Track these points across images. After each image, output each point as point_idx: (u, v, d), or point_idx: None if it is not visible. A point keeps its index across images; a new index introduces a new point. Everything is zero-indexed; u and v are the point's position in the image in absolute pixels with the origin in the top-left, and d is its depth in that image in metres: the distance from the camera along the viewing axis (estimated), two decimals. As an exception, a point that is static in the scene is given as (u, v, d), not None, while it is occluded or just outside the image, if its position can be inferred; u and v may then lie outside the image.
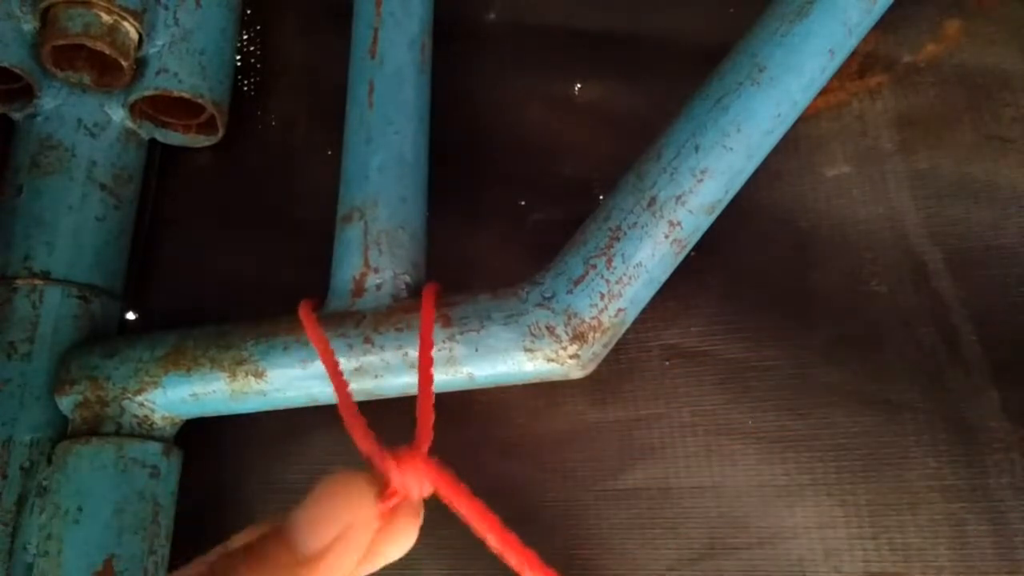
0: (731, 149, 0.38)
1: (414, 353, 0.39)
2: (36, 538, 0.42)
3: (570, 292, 0.37)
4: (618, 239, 0.38)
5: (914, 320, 0.41)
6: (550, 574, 0.23)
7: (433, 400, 0.32)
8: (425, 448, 0.27)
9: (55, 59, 0.49)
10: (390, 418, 0.39)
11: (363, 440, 0.29)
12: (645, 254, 0.37)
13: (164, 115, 0.54)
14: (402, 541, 0.26)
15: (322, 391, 0.42)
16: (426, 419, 0.31)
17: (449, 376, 0.39)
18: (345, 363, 0.40)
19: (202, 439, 0.48)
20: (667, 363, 0.44)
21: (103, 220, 0.51)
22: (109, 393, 0.44)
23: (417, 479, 0.26)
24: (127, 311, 0.54)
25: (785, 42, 0.39)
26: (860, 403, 0.40)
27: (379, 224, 0.43)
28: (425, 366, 0.33)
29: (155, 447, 0.44)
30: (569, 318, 0.37)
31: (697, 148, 0.38)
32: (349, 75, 0.48)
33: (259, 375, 0.41)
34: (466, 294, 0.40)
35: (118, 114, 0.52)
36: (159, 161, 0.57)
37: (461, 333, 0.38)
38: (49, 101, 0.51)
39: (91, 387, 0.44)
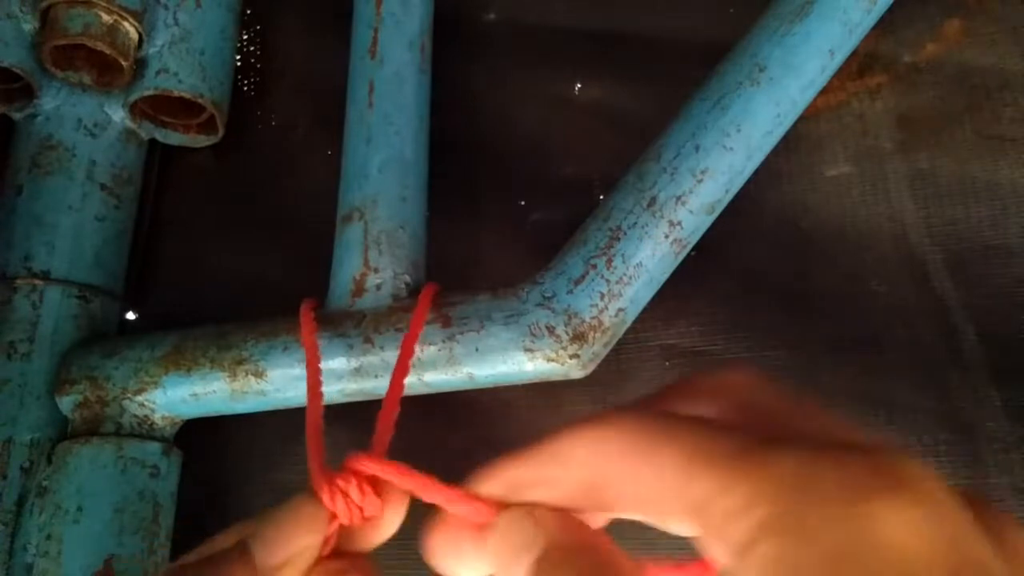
0: (731, 149, 0.38)
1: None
2: (36, 538, 0.42)
3: (570, 292, 0.37)
4: (618, 239, 0.38)
5: (914, 320, 0.41)
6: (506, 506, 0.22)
7: (396, 412, 0.31)
8: (362, 465, 0.25)
9: (55, 59, 0.49)
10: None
11: (313, 459, 0.28)
12: (645, 254, 0.37)
13: (164, 115, 0.54)
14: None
15: (322, 391, 0.41)
16: (385, 429, 0.29)
17: (449, 376, 0.39)
18: (345, 363, 0.40)
19: (202, 439, 0.48)
20: (667, 363, 0.44)
21: (103, 220, 0.51)
22: (109, 393, 0.44)
23: (345, 505, 0.25)
24: (127, 311, 0.54)
25: (785, 42, 0.39)
26: (860, 403, 0.40)
27: (379, 224, 0.43)
28: (399, 375, 0.32)
29: (155, 447, 0.44)
30: (569, 318, 0.37)
31: (697, 148, 0.38)
32: (349, 75, 0.48)
33: (259, 375, 0.41)
34: (466, 294, 0.40)
35: (118, 114, 0.52)
36: (159, 161, 0.57)
37: (461, 333, 0.38)
38: (49, 101, 0.51)
39: (91, 387, 0.44)
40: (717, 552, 0.16)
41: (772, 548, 0.14)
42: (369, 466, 0.25)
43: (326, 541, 0.25)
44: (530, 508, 0.19)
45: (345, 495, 0.26)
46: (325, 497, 0.26)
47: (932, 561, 0.13)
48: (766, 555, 0.14)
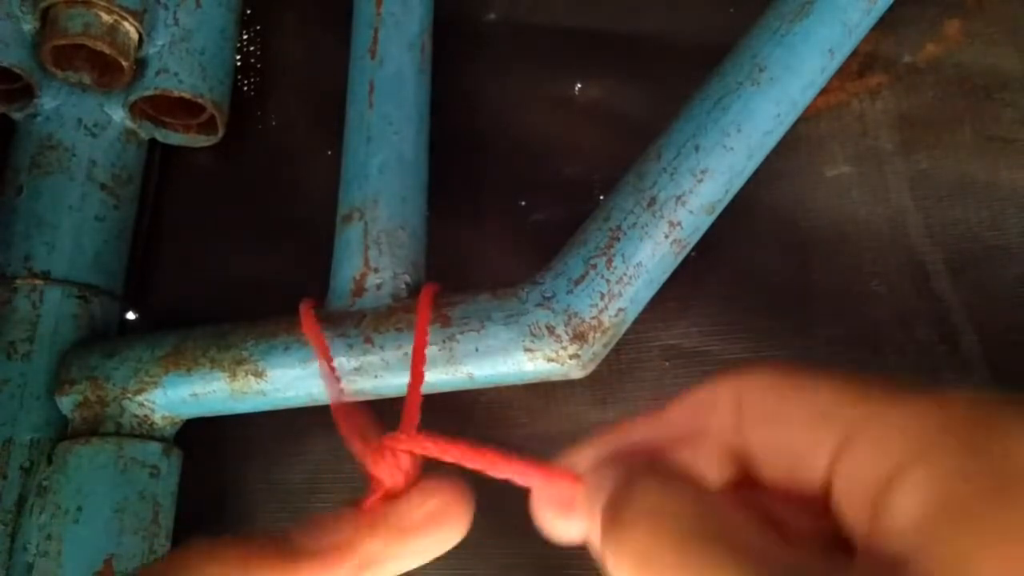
0: (731, 149, 0.38)
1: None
2: (36, 538, 0.42)
3: (570, 292, 0.37)
4: (618, 239, 0.38)
5: (914, 320, 0.41)
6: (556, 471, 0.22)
7: (421, 396, 0.32)
8: (404, 438, 0.27)
9: (55, 59, 0.49)
10: (392, 418, 0.38)
11: (348, 431, 0.29)
12: (645, 254, 0.37)
13: (164, 115, 0.54)
14: (431, 533, 0.25)
15: (322, 391, 0.42)
16: (412, 411, 0.30)
17: (449, 376, 0.39)
18: (345, 363, 0.40)
19: (202, 439, 0.48)
20: (667, 363, 0.44)
21: (103, 220, 0.51)
22: (109, 393, 0.44)
23: (390, 470, 0.26)
24: (127, 311, 0.54)
25: (785, 42, 0.39)
26: (860, 403, 0.40)
27: (379, 224, 0.43)
28: (417, 362, 0.33)
29: (155, 447, 0.44)
30: (569, 318, 0.37)
31: (697, 148, 0.38)
32: (349, 75, 0.48)
33: (259, 375, 0.41)
34: (466, 294, 0.40)
35: (118, 114, 0.52)
36: (159, 161, 0.57)
37: (461, 333, 0.38)
38: (49, 101, 0.51)
39: (91, 387, 0.44)
40: (854, 493, 0.15)
41: (934, 468, 0.13)
42: (406, 443, 0.26)
43: (372, 507, 0.25)
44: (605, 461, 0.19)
45: (393, 457, 0.26)
46: (370, 461, 0.26)
47: None
48: (930, 476, 0.13)
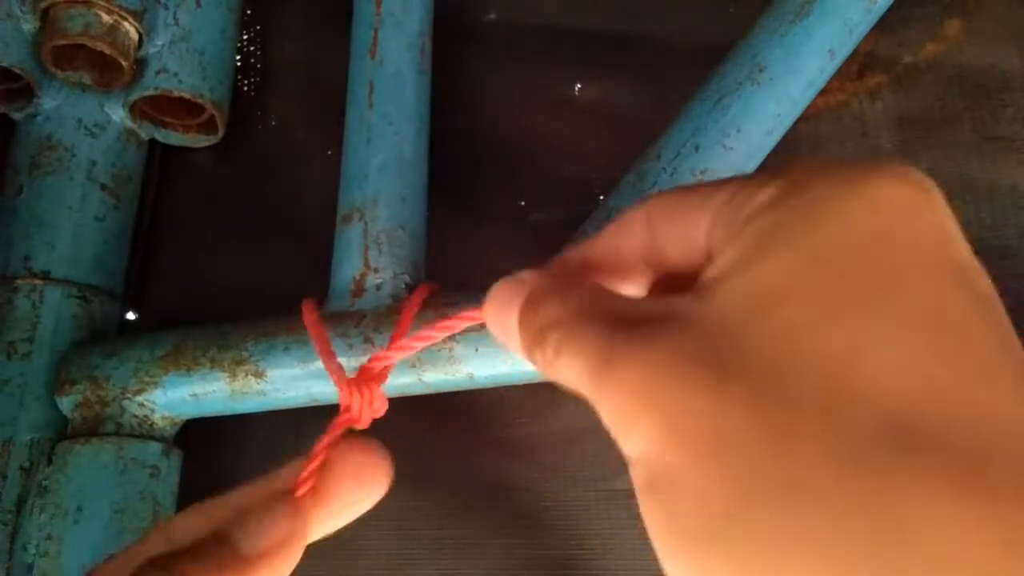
0: (731, 149, 0.38)
1: (414, 352, 0.39)
2: (36, 538, 0.42)
3: (570, 292, 0.37)
4: (618, 239, 0.38)
5: (914, 320, 0.41)
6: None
7: (408, 328, 0.34)
8: (379, 363, 0.28)
9: (55, 59, 0.49)
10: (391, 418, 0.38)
11: (326, 359, 0.30)
12: (645, 254, 0.37)
13: (164, 115, 0.54)
14: (357, 499, 0.25)
15: (322, 391, 0.42)
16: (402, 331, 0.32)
17: (449, 376, 0.39)
18: (345, 363, 0.40)
19: (202, 439, 0.48)
20: (667, 363, 0.44)
21: (103, 220, 0.51)
22: (109, 393, 0.44)
23: (364, 398, 0.28)
24: (127, 311, 0.54)
25: (785, 42, 0.39)
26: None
27: (379, 224, 0.43)
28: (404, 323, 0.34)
29: (155, 447, 0.44)
30: (569, 318, 0.37)
31: (697, 148, 0.38)
32: (349, 75, 0.48)
33: (259, 375, 0.41)
34: (465, 294, 0.40)
35: (118, 114, 0.52)
36: (159, 161, 0.57)
37: (461, 333, 0.38)
38: (49, 101, 0.51)
39: (91, 387, 0.44)
40: (731, 248, 0.17)
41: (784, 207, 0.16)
42: (392, 352, 0.28)
43: (330, 443, 0.26)
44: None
45: (363, 388, 0.28)
46: (344, 391, 0.28)
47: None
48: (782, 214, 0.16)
